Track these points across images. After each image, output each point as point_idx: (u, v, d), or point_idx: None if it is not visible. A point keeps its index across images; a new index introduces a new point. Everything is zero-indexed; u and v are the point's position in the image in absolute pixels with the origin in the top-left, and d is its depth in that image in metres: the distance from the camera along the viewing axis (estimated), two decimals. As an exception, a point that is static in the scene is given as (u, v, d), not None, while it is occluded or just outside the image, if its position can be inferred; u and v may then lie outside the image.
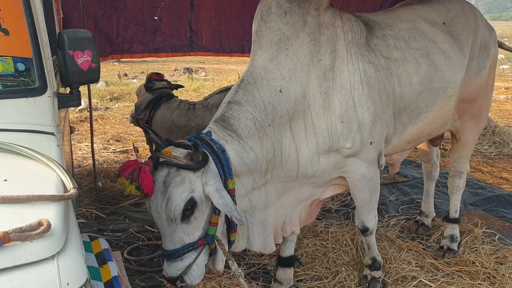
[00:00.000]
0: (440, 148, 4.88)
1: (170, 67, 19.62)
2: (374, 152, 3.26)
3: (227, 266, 2.87)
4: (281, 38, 2.99)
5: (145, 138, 5.65)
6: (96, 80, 2.26)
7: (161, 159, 2.56)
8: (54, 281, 1.18)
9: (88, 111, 9.98)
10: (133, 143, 7.14)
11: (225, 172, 2.68)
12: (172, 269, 2.58)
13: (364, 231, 3.49)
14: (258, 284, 3.59)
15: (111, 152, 7.16)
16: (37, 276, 1.17)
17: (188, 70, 16.80)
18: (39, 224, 1.23)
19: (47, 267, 1.20)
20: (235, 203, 2.73)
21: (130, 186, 2.39)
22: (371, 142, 3.19)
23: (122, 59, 21.89)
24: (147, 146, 5.65)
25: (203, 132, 2.81)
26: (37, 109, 1.89)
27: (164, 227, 2.55)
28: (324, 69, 3.06)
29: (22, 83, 1.91)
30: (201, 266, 2.64)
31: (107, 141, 7.75)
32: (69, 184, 1.45)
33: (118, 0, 5.56)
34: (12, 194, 1.32)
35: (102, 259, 1.79)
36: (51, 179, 1.47)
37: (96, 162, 6.48)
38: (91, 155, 6.73)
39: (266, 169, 2.96)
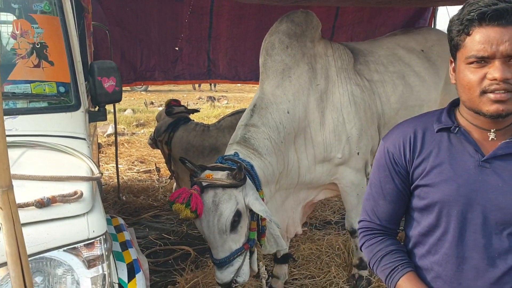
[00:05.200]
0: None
1: (195, 96, 20.39)
2: (361, 161, 3.76)
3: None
4: (284, 68, 3.51)
5: (164, 159, 6.23)
6: (119, 100, 2.86)
7: (204, 183, 2.89)
8: (85, 228, 1.75)
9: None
10: (155, 164, 7.74)
11: (256, 185, 3.08)
12: (226, 274, 2.90)
13: (353, 232, 3.95)
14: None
15: (135, 172, 7.78)
16: (74, 225, 1.75)
17: (211, 99, 17.51)
18: (75, 193, 1.81)
19: (80, 220, 1.77)
20: None
21: (185, 210, 2.71)
22: (358, 153, 3.69)
23: (149, 89, 22.55)
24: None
25: (229, 154, 3.19)
26: (73, 121, 2.49)
27: (216, 240, 2.87)
28: (320, 92, 3.60)
29: (62, 102, 2.51)
30: (247, 267, 3.03)
31: (132, 163, 8.38)
32: (95, 170, 2.04)
33: (143, 33, 6.19)
34: (59, 175, 1.91)
35: (119, 229, 2.37)
36: (83, 167, 2.06)
37: (121, 180, 7.13)
38: (116, 175, 7.39)
39: (277, 179, 3.43)
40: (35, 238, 1.68)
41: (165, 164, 6.43)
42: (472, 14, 1.39)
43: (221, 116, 6.10)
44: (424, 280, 1.60)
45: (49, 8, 2.54)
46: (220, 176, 2.94)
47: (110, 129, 11.20)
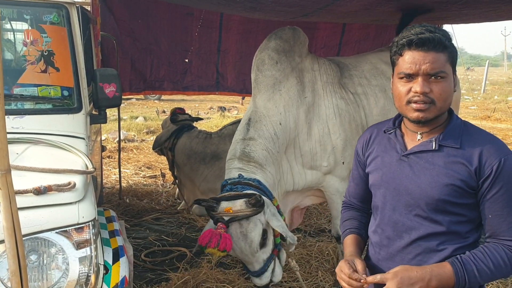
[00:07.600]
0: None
1: (206, 106, 20.71)
2: (346, 170, 3.96)
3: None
4: (275, 82, 3.72)
5: (168, 165, 6.48)
6: (118, 105, 3.11)
7: (226, 217, 3.08)
8: (76, 214, 2.00)
9: (125, 142, 11.07)
10: (160, 170, 8.01)
11: (268, 196, 3.30)
12: (264, 279, 3.22)
13: (338, 238, 4.16)
14: (248, 280, 4.30)
15: (141, 177, 8.05)
16: (66, 211, 2.00)
17: (221, 109, 17.82)
18: (69, 183, 2.06)
19: (72, 207, 2.02)
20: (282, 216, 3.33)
21: (218, 253, 2.92)
22: (343, 162, 3.90)
23: (162, 98, 22.77)
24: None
25: (233, 177, 3.35)
26: (74, 122, 2.75)
27: (250, 259, 3.16)
28: (308, 105, 3.82)
29: (65, 104, 2.77)
30: (279, 267, 3.35)
31: (139, 168, 8.64)
32: (89, 165, 2.29)
33: (154, 44, 6.41)
34: (56, 168, 2.16)
35: (110, 219, 2.61)
36: (79, 162, 2.31)
37: (127, 184, 7.40)
38: (123, 178, 7.65)
39: (275, 187, 3.63)
40: (32, 220, 1.92)
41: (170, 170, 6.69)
42: (404, 40, 1.77)
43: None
44: (369, 246, 2.06)
45: (58, 20, 2.82)
46: (239, 207, 3.10)
47: (121, 136, 11.53)
